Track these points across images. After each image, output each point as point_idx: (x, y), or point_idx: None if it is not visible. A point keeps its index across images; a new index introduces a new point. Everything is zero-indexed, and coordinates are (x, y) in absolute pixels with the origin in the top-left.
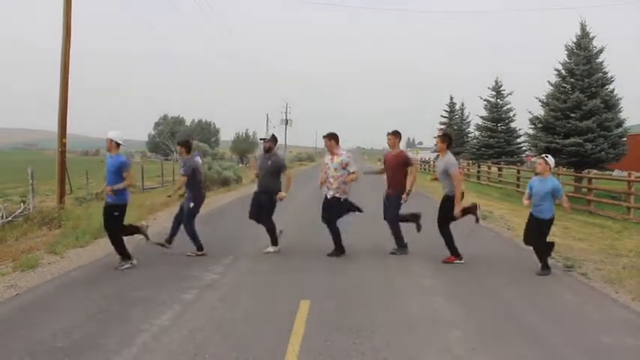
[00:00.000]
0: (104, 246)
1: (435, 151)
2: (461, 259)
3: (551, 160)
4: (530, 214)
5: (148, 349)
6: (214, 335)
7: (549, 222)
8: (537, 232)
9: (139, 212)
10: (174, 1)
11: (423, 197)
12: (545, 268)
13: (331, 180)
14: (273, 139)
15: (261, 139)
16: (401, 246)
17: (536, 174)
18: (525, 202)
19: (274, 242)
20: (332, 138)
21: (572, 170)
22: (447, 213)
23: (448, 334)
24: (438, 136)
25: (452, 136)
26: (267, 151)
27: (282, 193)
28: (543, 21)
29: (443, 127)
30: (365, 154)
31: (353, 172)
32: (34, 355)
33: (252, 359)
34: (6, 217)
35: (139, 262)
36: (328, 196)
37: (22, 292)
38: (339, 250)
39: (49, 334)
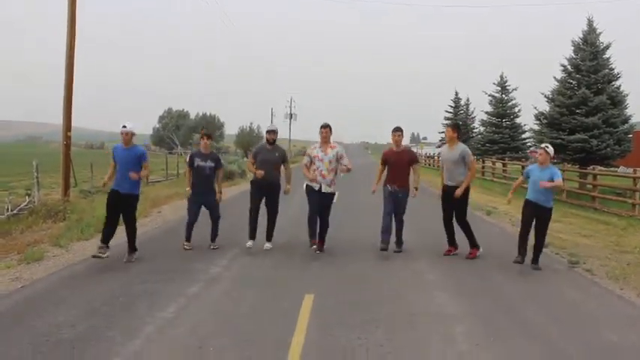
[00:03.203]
0: None
1: (442, 140)
2: (480, 249)
3: (551, 149)
4: (531, 203)
5: (152, 341)
6: (218, 328)
7: (551, 210)
8: (542, 221)
9: (142, 205)
10: None
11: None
12: (538, 261)
13: (325, 172)
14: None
15: (269, 131)
16: (401, 242)
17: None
18: (509, 196)
19: (271, 236)
20: (330, 129)
21: (578, 166)
22: (465, 203)
23: (452, 330)
24: (450, 125)
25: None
26: (272, 142)
27: (288, 186)
28: (550, 15)
29: (448, 122)
30: (369, 149)
31: (348, 164)
32: (39, 347)
33: (256, 352)
34: (11, 210)
35: (144, 255)
36: (324, 190)
37: (27, 285)
38: (324, 242)
39: (54, 326)
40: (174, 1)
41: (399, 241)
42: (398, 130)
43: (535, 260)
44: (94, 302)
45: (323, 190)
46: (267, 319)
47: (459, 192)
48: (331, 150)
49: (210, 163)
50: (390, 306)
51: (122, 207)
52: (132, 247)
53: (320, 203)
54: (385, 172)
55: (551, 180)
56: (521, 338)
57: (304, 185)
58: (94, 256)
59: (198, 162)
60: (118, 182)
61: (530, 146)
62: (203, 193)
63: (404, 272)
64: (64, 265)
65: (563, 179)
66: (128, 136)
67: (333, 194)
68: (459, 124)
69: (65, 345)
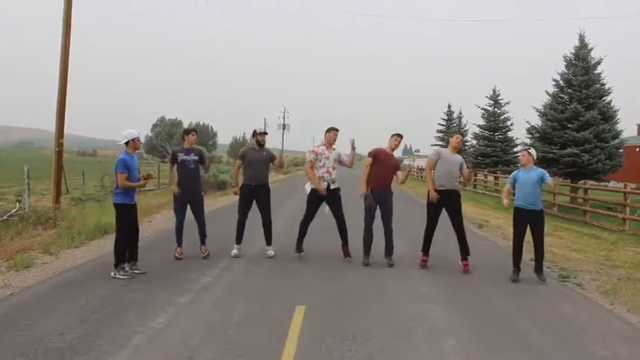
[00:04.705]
0: (99, 247)
1: (446, 146)
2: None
3: (533, 151)
4: (521, 210)
5: (142, 351)
6: (209, 339)
7: (543, 213)
8: (540, 226)
9: None
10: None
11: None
12: (542, 272)
13: (330, 169)
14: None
15: (259, 133)
16: (391, 251)
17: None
18: (505, 201)
19: (271, 240)
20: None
21: (569, 181)
22: (460, 209)
23: (443, 343)
24: (461, 133)
25: None
26: (262, 145)
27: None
28: (543, 31)
29: (441, 134)
30: (360, 160)
31: (349, 157)
32: (27, 356)
33: None
34: (1, 216)
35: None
36: (332, 187)
37: (17, 292)
38: (347, 245)
39: (43, 335)
40: (168, 8)
41: (390, 251)
42: (399, 136)
43: (539, 270)
44: (83, 311)
45: (331, 187)
46: (258, 330)
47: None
48: (334, 150)
49: (194, 157)
50: (382, 318)
51: (134, 216)
52: (137, 257)
53: (337, 202)
54: (370, 173)
55: (542, 179)
56: (512, 352)
57: (308, 189)
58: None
59: (181, 157)
60: (132, 194)
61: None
62: (189, 190)
63: (396, 284)
64: (53, 272)
65: (554, 194)
66: (140, 142)
67: (339, 189)
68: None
69: (54, 354)
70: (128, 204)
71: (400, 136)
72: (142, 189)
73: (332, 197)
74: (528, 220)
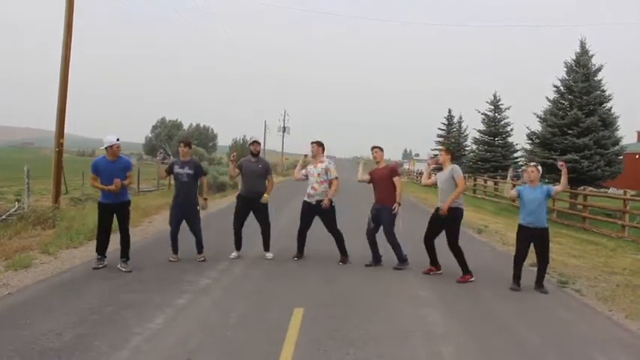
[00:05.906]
0: None
1: (436, 163)
2: (472, 277)
3: (540, 168)
4: (525, 228)
5: (139, 352)
6: (207, 340)
7: (548, 230)
8: (545, 244)
9: (134, 215)
10: (174, 4)
11: (419, 208)
12: (543, 284)
13: (315, 186)
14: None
15: (253, 142)
16: (402, 260)
17: (531, 181)
18: (512, 192)
19: (269, 247)
20: (320, 145)
21: (568, 187)
22: (455, 227)
23: (441, 348)
24: (444, 148)
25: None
26: (257, 154)
27: (266, 195)
28: (544, 37)
29: (441, 139)
30: (360, 164)
31: (335, 178)
32: (23, 355)
33: None
34: (0, 216)
35: (134, 264)
36: (314, 202)
37: (14, 292)
38: (346, 255)
39: (40, 335)
40: (171, 11)
41: (399, 259)
42: (375, 147)
43: (540, 284)
44: (81, 311)
45: (317, 202)
46: (256, 332)
47: (445, 207)
48: (320, 164)
49: (188, 170)
50: (380, 322)
51: (118, 216)
52: (127, 255)
53: (315, 216)
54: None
55: (549, 195)
56: (511, 357)
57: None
58: (94, 268)
59: (176, 169)
60: (110, 194)
61: (522, 165)
62: (183, 203)
63: (395, 288)
64: (52, 272)
65: (554, 199)
66: (119, 149)
67: (331, 202)
68: (451, 148)
69: (51, 354)
70: (102, 202)
71: (378, 147)
72: (140, 191)
73: (322, 212)
74: (532, 237)
